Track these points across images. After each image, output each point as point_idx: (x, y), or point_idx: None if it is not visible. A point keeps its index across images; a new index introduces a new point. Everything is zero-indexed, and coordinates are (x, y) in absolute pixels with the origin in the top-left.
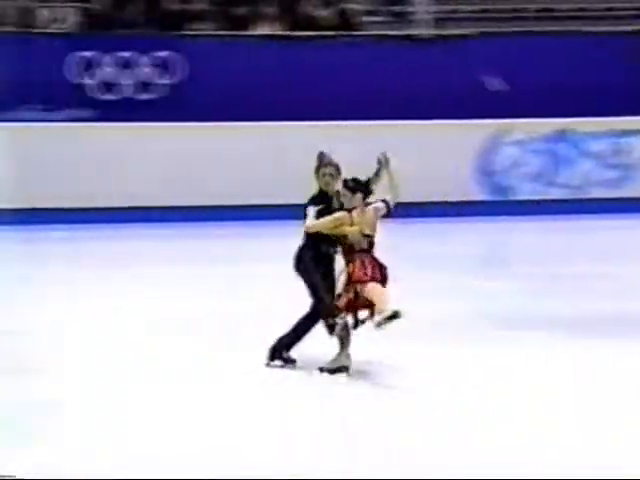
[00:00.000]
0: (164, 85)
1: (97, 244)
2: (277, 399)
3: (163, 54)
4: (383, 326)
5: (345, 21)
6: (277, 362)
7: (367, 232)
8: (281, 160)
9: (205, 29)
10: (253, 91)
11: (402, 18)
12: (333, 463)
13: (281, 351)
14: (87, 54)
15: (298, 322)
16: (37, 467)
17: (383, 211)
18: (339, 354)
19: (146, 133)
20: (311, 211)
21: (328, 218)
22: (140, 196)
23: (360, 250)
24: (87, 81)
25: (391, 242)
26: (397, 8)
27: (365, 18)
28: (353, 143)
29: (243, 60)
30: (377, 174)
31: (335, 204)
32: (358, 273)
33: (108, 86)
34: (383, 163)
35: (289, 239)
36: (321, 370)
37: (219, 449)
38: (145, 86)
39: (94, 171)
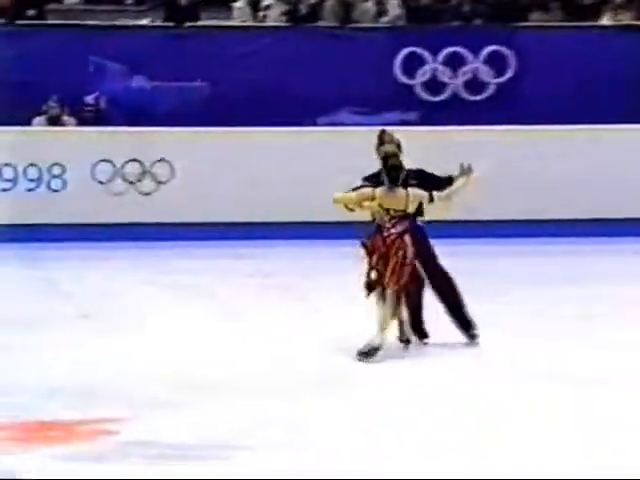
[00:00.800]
0: (493, 83)
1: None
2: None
3: (493, 49)
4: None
5: None
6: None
7: (386, 206)
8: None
9: (541, 20)
10: (594, 89)
11: None
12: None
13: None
14: (413, 50)
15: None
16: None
17: (424, 200)
18: (375, 335)
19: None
20: (356, 185)
21: (353, 193)
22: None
23: (388, 226)
24: (412, 81)
25: None
26: None
27: None
28: None
29: (583, 54)
30: (458, 176)
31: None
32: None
33: (435, 85)
34: (465, 172)
35: None
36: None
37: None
38: (474, 85)
39: None
